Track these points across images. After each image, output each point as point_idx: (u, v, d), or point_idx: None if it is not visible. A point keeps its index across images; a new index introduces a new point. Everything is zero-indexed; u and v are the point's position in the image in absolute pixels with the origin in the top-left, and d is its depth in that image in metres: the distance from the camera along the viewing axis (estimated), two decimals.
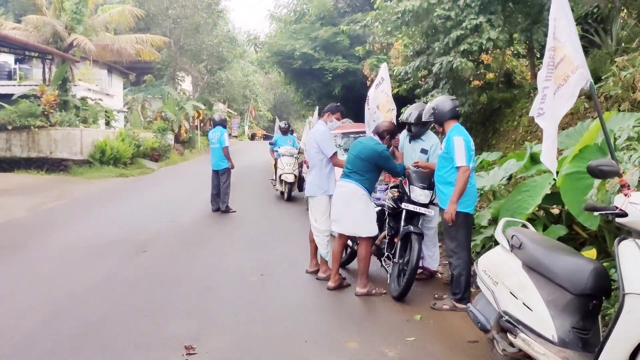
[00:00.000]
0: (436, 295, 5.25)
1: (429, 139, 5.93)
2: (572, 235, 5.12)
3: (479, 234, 5.91)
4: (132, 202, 12.04)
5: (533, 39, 9.72)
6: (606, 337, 2.60)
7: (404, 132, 6.13)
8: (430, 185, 5.38)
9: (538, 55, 11.31)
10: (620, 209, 2.62)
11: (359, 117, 14.35)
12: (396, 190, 5.74)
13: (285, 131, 13.22)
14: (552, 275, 3.09)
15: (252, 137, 54.46)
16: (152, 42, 23.15)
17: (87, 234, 8.29)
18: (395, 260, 5.41)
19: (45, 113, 17.23)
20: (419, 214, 5.45)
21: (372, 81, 14.62)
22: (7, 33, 17.70)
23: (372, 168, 5.41)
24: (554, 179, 4.87)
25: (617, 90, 6.09)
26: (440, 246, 6.34)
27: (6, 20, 22.30)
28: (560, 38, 3.34)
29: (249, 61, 42.69)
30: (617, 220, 2.67)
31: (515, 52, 11.91)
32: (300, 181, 12.10)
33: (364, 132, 7.62)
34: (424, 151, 5.87)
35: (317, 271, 6.08)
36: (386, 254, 5.70)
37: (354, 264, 6.27)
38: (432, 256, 5.94)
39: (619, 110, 5.94)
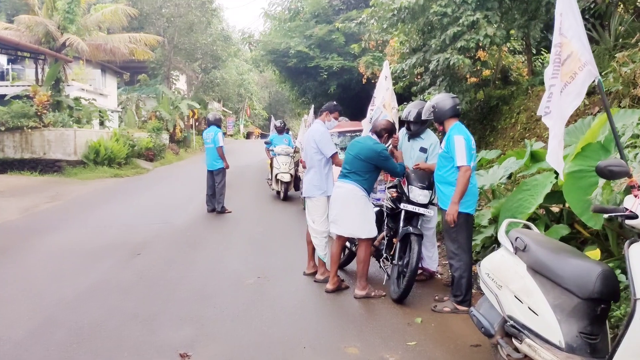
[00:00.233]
0: (436, 297, 5.15)
1: (428, 137, 5.82)
2: (574, 234, 5.04)
3: (479, 233, 5.83)
4: (126, 203, 11.91)
5: (530, 36, 9.64)
6: (617, 344, 2.51)
7: (403, 131, 6.02)
8: (429, 185, 5.29)
9: (535, 52, 11.26)
10: (631, 211, 2.53)
11: (355, 115, 14.32)
12: (394, 190, 5.63)
13: (281, 130, 13.10)
14: (558, 279, 2.99)
15: (248, 135, 54.31)
16: (146, 41, 22.97)
17: (81, 237, 8.17)
18: (395, 261, 5.31)
19: (39, 113, 17.07)
20: (418, 215, 5.35)
21: (368, 79, 14.65)
22: None
23: (371, 168, 5.31)
24: (556, 178, 4.79)
25: (617, 87, 6.00)
26: (439, 246, 6.25)
27: None
28: (567, 34, 3.23)
29: (244, 60, 42.52)
30: (627, 222, 2.58)
31: (511, 48, 11.83)
32: (296, 180, 12.00)
33: (360, 131, 7.52)
34: (423, 150, 5.76)
35: (314, 273, 5.98)
36: (384, 255, 5.60)
37: (352, 266, 6.17)
38: (432, 257, 5.85)
39: (619, 107, 5.85)
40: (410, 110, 5.78)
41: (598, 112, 6.46)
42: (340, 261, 5.81)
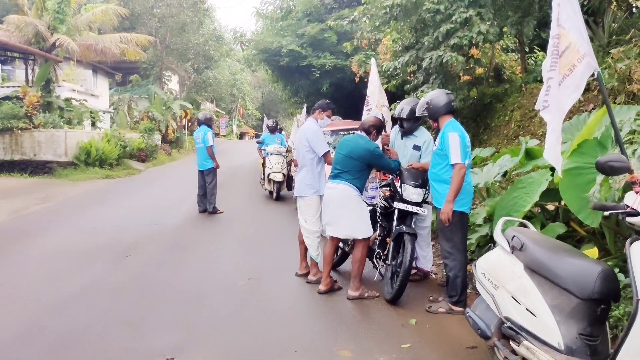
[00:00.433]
0: (431, 298, 5.06)
1: (422, 135, 5.72)
2: (570, 232, 4.96)
3: (474, 232, 5.73)
4: (117, 204, 11.75)
5: (523, 33, 9.58)
6: (619, 346, 2.42)
7: (396, 128, 5.92)
8: (423, 183, 5.19)
9: (528, 50, 11.20)
10: (632, 208, 2.44)
11: (348, 114, 14.23)
12: (387, 189, 5.53)
13: (273, 129, 12.99)
14: (556, 279, 2.89)
15: (241, 136, 54.11)
16: (137, 41, 22.78)
17: (70, 239, 8.02)
18: (388, 261, 5.20)
19: (28, 115, 16.85)
20: (411, 213, 5.25)
21: (361, 78, 14.55)
22: None
23: (363, 167, 5.21)
24: (552, 175, 4.70)
25: (612, 83, 5.94)
26: (433, 245, 6.16)
27: None
28: (565, 25, 3.12)
29: (236, 59, 42.39)
30: (628, 219, 2.49)
31: (504, 47, 11.77)
32: (289, 180, 11.90)
33: (354, 130, 7.43)
34: (416, 147, 5.66)
35: (307, 274, 5.87)
36: (377, 251, 5.48)
37: (344, 266, 6.08)
38: (426, 256, 5.76)
39: (615, 103, 5.78)
40: (403, 107, 5.67)
41: (593, 109, 6.39)
42: (333, 262, 5.71)
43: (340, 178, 5.22)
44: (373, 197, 6.27)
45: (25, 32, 19.17)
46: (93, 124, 22.51)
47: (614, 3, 8.86)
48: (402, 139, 5.81)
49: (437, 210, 4.75)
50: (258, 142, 13.30)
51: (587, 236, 4.86)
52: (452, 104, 4.82)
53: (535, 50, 11.51)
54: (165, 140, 27.63)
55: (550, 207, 5.45)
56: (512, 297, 3.12)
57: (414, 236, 5.06)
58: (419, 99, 5.86)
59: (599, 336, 2.81)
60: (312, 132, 5.78)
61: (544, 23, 9.79)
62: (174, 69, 34.52)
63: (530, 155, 5.64)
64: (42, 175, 16.57)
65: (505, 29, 9.34)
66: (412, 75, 10.64)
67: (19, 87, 18.35)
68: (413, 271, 5.54)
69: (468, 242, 5.32)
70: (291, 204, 10.82)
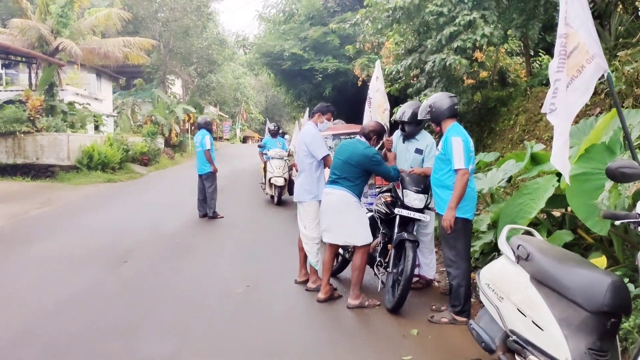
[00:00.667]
0: (434, 307, 4.91)
1: (424, 138, 5.57)
2: (577, 240, 4.81)
3: (477, 239, 5.57)
4: (117, 208, 11.65)
5: (528, 36, 9.45)
6: None
7: (398, 132, 5.78)
8: (425, 189, 5.05)
9: (532, 54, 11.06)
10: None
11: (351, 118, 14.10)
12: (389, 194, 5.39)
13: (275, 133, 12.87)
14: (564, 290, 2.75)
15: (244, 140, 54.08)
16: (141, 45, 22.78)
17: (68, 244, 7.91)
18: (389, 269, 5.06)
19: (31, 118, 16.81)
20: (413, 220, 5.11)
21: (363, 81, 14.43)
22: None
23: (362, 173, 5.08)
24: (558, 181, 4.56)
25: (620, 86, 5.79)
26: (437, 252, 6.01)
27: None
28: (573, 24, 2.97)
29: (239, 63, 42.40)
30: None
31: (508, 50, 11.64)
32: (290, 185, 11.77)
33: (356, 134, 7.30)
34: (418, 151, 5.51)
35: (306, 281, 5.74)
36: (379, 259, 5.34)
37: (345, 273, 5.94)
38: (429, 264, 5.61)
39: (623, 107, 5.63)
40: (405, 110, 5.53)
41: (600, 112, 6.24)
42: (332, 269, 5.57)
43: (339, 184, 5.09)
44: (371, 204, 6.13)
45: (28, 35, 19.15)
46: (96, 128, 22.49)
47: (621, 6, 8.74)
48: (403, 142, 5.66)
49: (439, 216, 4.61)
50: (259, 146, 13.19)
51: (595, 244, 4.70)
52: (456, 107, 4.69)
53: (540, 53, 11.37)
54: (168, 144, 27.59)
55: (557, 213, 5.30)
56: (518, 309, 2.98)
57: (415, 243, 4.91)
58: (421, 102, 5.73)
59: (608, 351, 2.66)
60: (310, 136, 5.66)
61: (550, 26, 9.66)
62: (178, 72, 34.54)
63: (535, 160, 5.50)
64: (45, 179, 16.51)
65: (509, 32, 9.20)
66: (414, 79, 10.50)
67: (22, 90, 18.34)
68: (415, 279, 5.41)
69: (472, 249, 5.17)
70: (292, 209, 10.69)
